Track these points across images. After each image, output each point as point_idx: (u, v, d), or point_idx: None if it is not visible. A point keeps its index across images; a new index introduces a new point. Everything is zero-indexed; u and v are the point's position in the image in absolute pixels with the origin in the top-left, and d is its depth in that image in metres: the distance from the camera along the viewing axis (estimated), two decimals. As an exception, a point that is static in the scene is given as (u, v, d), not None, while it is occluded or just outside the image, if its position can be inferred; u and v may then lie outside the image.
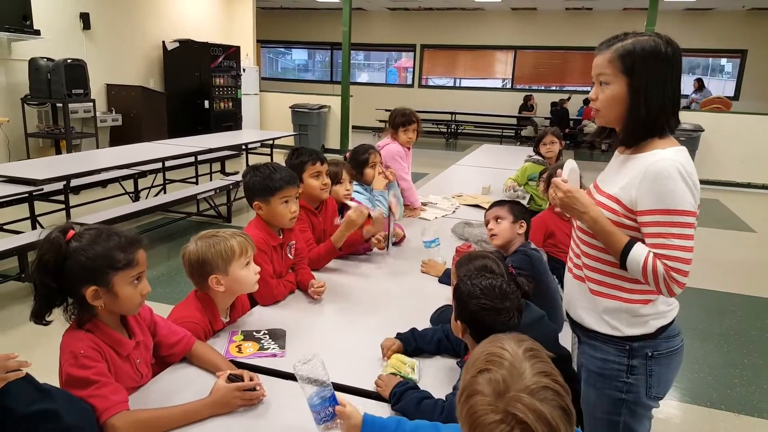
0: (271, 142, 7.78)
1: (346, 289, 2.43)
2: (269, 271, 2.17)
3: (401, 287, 2.50)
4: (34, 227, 4.70)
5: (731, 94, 13.57)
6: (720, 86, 13.98)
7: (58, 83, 6.87)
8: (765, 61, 13.17)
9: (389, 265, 2.72)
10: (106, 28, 8.52)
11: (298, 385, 1.37)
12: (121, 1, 8.86)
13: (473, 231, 3.19)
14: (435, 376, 1.74)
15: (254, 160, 7.85)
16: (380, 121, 13.57)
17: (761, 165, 9.25)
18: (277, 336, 1.94)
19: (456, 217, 3.61)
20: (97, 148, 7.51)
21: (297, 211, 2.30)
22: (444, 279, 2.51)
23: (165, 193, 6.33)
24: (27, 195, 4.49)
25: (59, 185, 4.68)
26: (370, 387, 1.66)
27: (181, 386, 1.62)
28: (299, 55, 18.38)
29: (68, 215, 4.71)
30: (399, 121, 3.77)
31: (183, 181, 6.90)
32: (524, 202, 3.86)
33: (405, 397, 1.54)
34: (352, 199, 2.81)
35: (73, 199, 5.15)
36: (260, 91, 11.76)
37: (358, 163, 3.23)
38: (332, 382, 1.64)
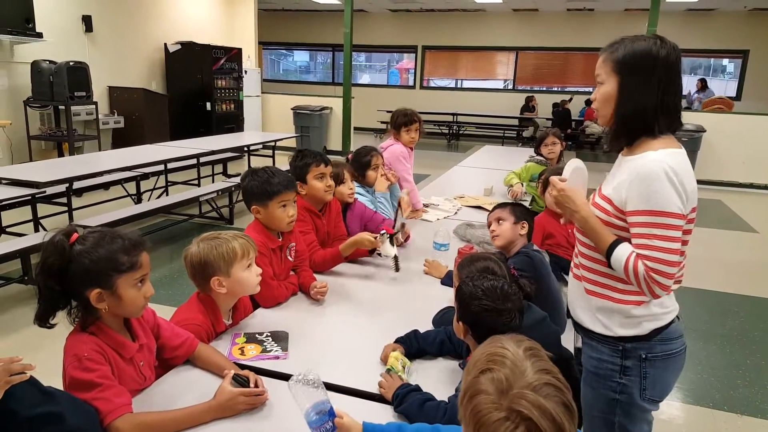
0: (273, 143, 7.78)
1: (349, 290, 2.43)
2: (269, 273, 2.18)
3: (403, 289, 2.50)
4: (36, 230, 4.71)
5: (733, 94, 13.56)
6: (722, 86, 13.96)
7: (60, 86, 6.88)
8: (767, 62, 13.15)
9: (391, 266, 2.72)
10: (108, 31, 8.54)
11: (295, 402, 1.34)
12: (123, 3, 8.87)
13: (475, 232, 3.19)
14: (438, 378, 1.75)
15: (256, 161, 7.86)
16: (382, 122, 13.58)
17: (763, 165, 9.24)
18: (280, 338, 1.94)
19: (458, 219, 3.61)
20: (100, 150, 7.53)
21: (295, 215, 2.31)
22: (446, 280, 2.51)
23: (167, 195, 6.34)
24: (30, 197, 4.51)
25: (62, 188, 4.69)
26: (373, 389, 1.66)
27: (185, 389, 1.63)
28: (301, 56, 18.40)
29: (71, 218, 4.72)
30: (401, 121, 3.78)
31: (185, 183, 6.91)
32: (526, 203, 3.86)
33: (408, 399, 1.54)
34: (382, 229, 2.68)
35: (76, 202, 5.15)
36: (262, 92, 11.77)
37: (361, 165, 3.24)
38: (335, 384, 1.64)
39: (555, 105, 13.90)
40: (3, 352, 3.13)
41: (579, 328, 1.74)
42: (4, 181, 4.34)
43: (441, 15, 15.30)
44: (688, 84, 13.05)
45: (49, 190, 4.67)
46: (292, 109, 11.09)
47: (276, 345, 1.89)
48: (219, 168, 7.99)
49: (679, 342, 1.61)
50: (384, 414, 1.56)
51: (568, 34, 14.30)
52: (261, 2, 12.96)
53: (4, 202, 4.28)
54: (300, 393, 1.33)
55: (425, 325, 1.99)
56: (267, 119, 11.74)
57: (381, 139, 13.08)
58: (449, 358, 1.86)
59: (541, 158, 4.28)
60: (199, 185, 6.70)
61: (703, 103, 11.79)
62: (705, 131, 9.15)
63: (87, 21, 8.11)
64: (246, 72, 10.82)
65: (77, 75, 7.04)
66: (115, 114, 8.46)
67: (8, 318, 3.77)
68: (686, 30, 13.11)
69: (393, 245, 2.54)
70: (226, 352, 1.81)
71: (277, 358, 1.83)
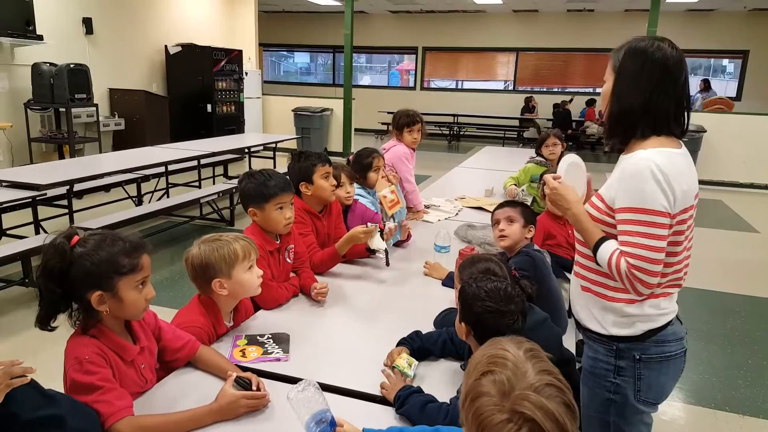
0: (273, 145, 7.78)
1: (350, 292, 2.43)
2: (268, 275, 2.18)
3: (405, 290, 2.50)
4: (37, 232, 4.71)
5: (733, 94, 13.57)
6: (722, 87, 13.96)
7: (61, 88, 6.88)
8: (767, 62, 13.15)
9: (393, 268, 2.72)
10: (108, 33, 8.55)
11: (295, 414, 1.33)
12: (124, 5, 8.88)
13: (476, 233, 3.18)
14: (439, 380, 1.74)
15: (257, 163, 7.86)
16: (382, 123, 13.59)
17: (764, 165, 9.24)
18: (281, 340, 1.94)
19: (459, 220, 3.61)
20: (100, 152, 7.53)
21: (292, 217, 2.31)
22: (447, 282, 2.51)
23: (168, 197, 6.34)
24: (30, 200, 4.51)
25: (62, 190, 4.69)
26: (374, 391, 1.66)
27: (186, 391, 1.63)
28: (301, 58, 18.41)
29: (71, 220, 4.72)
30: (403, 121, 3.78)
31: (186, 185, 6.91)
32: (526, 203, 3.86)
33: (409, 401, 1.54)
34: (373, 219, 2.71)
35: (77, 204, 5.16)
36: (263, 94, 11.78)
37: (362, 167, 3.24)
38: (336, 386, 1.64)
39: (555, 106, 13.90)
40: (4, 355, 3.13)
41: (578, 326, 1.75)
42: (4, 184, 4.35)
43: (441, 16, 15.31)
44: (695, 85, 13.05)
45: (50, 193, 4.66)
46: (292, 110, 11.10)
47: (277, 347, 1.89)
48: (220, 170, 7.99)
49: (676, 345, 1.60)
50: (385, 416, 1.56)
51: (568, 35, 14.30)
52: (261, 4, 12.97)
53: (4, 205, 4.28)
54: (300, 404, 1.32)
55: (426, 327, 1.99)
56: (268, 121, 11.75)
57: (382, 140, 13.10)
58: (451, 359, 1.86)
59: (541, 159, 4.27)
60: (199, 187, 6.71)
61: (704, 103, 11.78)
62: (705, 131, 9.14)
63: (87, 23, 8.12)
64: (246, 74, 10.82)
65: (78, 77, 7.05)
66: (116, 116, 8.47)
67: (9, 321, 3.77)
68: (686, 30, 13.11)
69: (383, 239, 2.55)
70: (227, 354, 1.81)
71: (279, 360, 1.82)
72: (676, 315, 1.62)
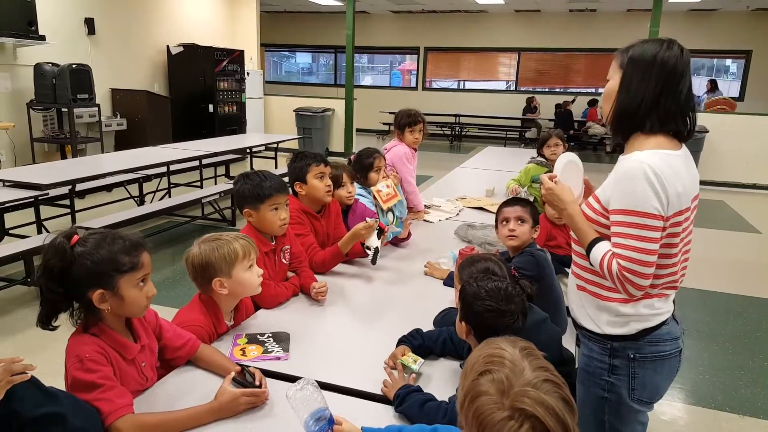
0: (275, 145, 7.79)
1: (350, 291, 2.44)
2: (264, 275, 2.18)
3: (405, 289, 2.51)
4: (39, 231, 4.73)
5: (736, 94, 13.54)
6: (725, 87, 13.94)
7: (63, 88, 6.91)
8: (770, 62, 13.14)
9: (393, 267, 2.73)
10: (110, 33, 8.57)
11: (294, 413, 1.33)
12: (126, 5, 8.90)
13: (476, 233, 3.19)
14: (439, 378, 1.75)
15: (258, 163, 7.87)
16: (384, 123, 13.60)
17: (766, 166, 9.22)
18: (281, 339, 1.94)
19: (459, 220, 3.62)
20: (102, 152, 7.55)
21: (287, 219, 2.31)
22: (448, 281, 2.52)
23: (170, 197, 6.35)
24: (32, 199, 4.52)
25: (65, 189, 4.71)
26: (374, 389, 1.66)
27: (186, 389, 1.63)
28: (303, 58, 18.42)
29: (74, 219, 4.73)
30: (405, 121, 3.78)
31: (188, 184, 6.93)
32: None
33: (408, 399, 1.54)
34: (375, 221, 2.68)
35: (79, 204, 5.17)
36: (264, 94, 11.79)
37: (363, 167, 3.24)
38: (336, 384, 1.64)
39: (557, 106, 13.89)
40: (6, 353, 3.14)
41: (574, 324, 1.77)
42: (7, 183, 4.36)
43: (443, 16, 15.31)
44: (699, 85, 13.02)
45: (52, 192, 4.68)
46: (294, 110, 11.11)
47: (277, 346, 1.90)
48: (222, 170, 8.00)
49: (671, 344, 1.60)
50: (385, 414, 1.57)
51: (570, 35, 14.29)
52: (263, 4, 12.98)
53: (7, 204, 4.30)
54: (298, 403, 1.32)
55: (426, 326, 1.99)
56: (269, 121, 11.76)
57: (383, 140, 13.10)
58: (450, 358, 1.87)
59: (542, 159, 4.27)
60: (201, 187, 6.72)
61: (706, 103, 11.76)
62: (708, 132, 9.13)
63: (90, 23, 8.14)
64: (248, 74, 10.84)
65: (80, 77, 7.07)
66: (118, 116, 8.49)
67: (12, 320, 3.79)
68: (689, 30, 13.10)
69: (378, 239, 2.56)
70: (227, 353, 1.82)
71: (279, 358, 1.83)
72: (672, 315, 1.62)
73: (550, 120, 13.78)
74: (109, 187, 6.12)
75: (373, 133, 14.56)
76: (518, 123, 14.50)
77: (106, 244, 1.46)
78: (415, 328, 1.92)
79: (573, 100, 13.80)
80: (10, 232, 4.84)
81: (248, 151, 7.61)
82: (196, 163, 6.39)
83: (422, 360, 1.76)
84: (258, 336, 1.95)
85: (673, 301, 1.65)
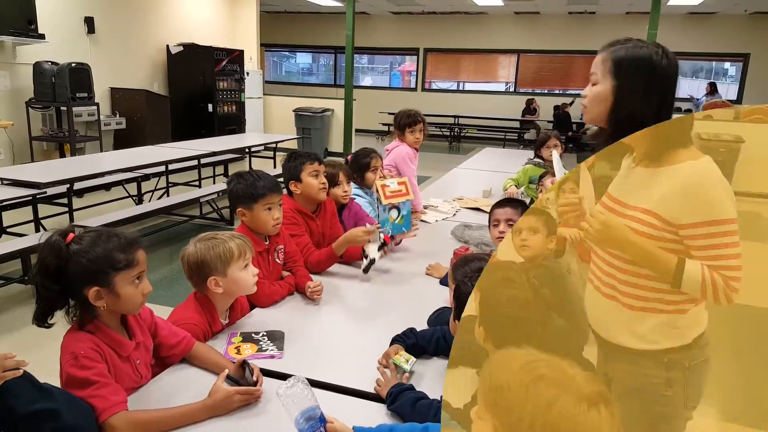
0: (274, 145, 7.80)
1: (345, 290, 2.45)
2: (259, 275, 2.19)
3: (399, 289, 2.52)
4: (37, 230, 4.73)
5: (734, 97, 13.57)
6: (723, 90, 13.96)
7: (62, 87, 6.91)
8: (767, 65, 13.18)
9: (387, 267, 2.74)
10: (110, 32, 8.57)
11: (285, 410, 1.34)
12: (126, 5, 8.91)
13: (473, 234, 3.20)
14: (432, 377, 1.76)
15: (257, 163, 7.88)
16: (384, 124, 13.60)
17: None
18: (276, 337, 1.96)
19: (456, 220, 3.63)
20: (101, 151, 7.55)
21: (281, 218, 2.32)
22: (444, 280, 2.53)
23: (168, 196, 6.36)
24: (31, 198, 4.53)
25: (63, 188, 4.71)
26: (367, 388, 1.67)
27: (181, 387, 1.64)
28: (303, 58, 18.43)
29: (72, 218, 4.74)
30: (405, 122, 3.80)
31: (186, 184, 6.93)
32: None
33: (401, 398, 1.56)
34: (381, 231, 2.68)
35: (77, 202, 5.17)
36: (264, 94, 11.80)
37: (360, 167, 3.25)
38: (330, 383, 1.66)
39: (556, 108, 13.92)
40: (2, 351, 3.15)
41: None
42: (5, 182, 4.37)
43: (443, 17, 15.33)
44: (698, 88, 13.02)
45: (50, 191, 4.69)
46: (293, 110, 11.12)
47: (272, 344, 1.91)
48: (220, 169, 8.01)
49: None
50: (378, 413, 1.58)
51: (569, 37, 14.32)
52: (263, 4, 12.99)
53: (5, 203, 4.31)
54: (289, 401, 1.33)
55: (420, 325, 2.01)
56: (269, 121, 11.76)
57: (382, 141, 13.11)
58: (444, 357, 1.87)
59: (540, 161, 4.29)
60: (200, 186, 6.73)
61: (702, 106, 11.78)
62: (705, 134, 9.13)
63: (89, 22, 8.15)
64: (248, 74, 10.85)
65: (79, 76, 7.08)
66: (117, 115, 8.49)
67: (8, 318, 3.79)
68: (687, 33, 13.13)
69: (379, 251, 2.56)
70: (222, 351, 1.83)
71: (273, 357, 1.84)
72: None
73: (548, 122, 13.81)
74: (107, 186, 6.13)
75: (372, 134, 14.57)
76: (517, 124, 14.51)
77: (101, 241, 1.47)
78: (408, 327, 1.93)
79: (571, 102, 13.80)
80: (8, 230, 4.84)
81: (247, 150, 7.62)
82: (195, 162, 6.40)
83: (414, 359, 1.77)
84: (253, 334, 1.96)
85: None
